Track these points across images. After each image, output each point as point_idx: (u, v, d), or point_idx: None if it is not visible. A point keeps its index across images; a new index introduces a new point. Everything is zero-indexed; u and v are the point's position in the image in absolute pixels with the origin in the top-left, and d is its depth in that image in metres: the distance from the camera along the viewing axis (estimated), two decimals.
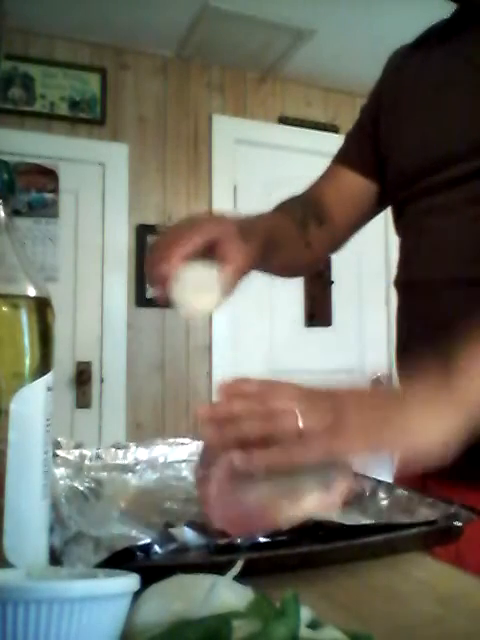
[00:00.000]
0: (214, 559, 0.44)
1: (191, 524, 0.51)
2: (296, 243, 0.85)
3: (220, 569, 0.34)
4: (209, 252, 0.65)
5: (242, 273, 0.68)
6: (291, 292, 2.74)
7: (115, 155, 2.57)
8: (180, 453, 0.80)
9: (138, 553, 0.43)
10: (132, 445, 0.79)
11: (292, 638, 0.28)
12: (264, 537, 0.46)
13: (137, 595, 0.32)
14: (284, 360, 2.67)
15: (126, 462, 0.77)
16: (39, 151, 2.44)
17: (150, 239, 2.54)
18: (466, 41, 0.77)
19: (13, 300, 0.40)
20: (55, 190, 2.46)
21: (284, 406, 0.50)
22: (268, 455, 0.49)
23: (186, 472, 0.74)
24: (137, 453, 0.78)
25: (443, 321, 0.72)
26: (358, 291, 2.89)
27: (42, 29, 2.45)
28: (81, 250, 2.52)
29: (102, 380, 2.48)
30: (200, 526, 0.51)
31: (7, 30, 2.27)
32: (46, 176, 2.45)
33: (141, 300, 2.53)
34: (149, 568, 0.40)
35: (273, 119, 2.85)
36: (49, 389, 0.41)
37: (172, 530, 0.49)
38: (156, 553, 0.44)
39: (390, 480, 0.81)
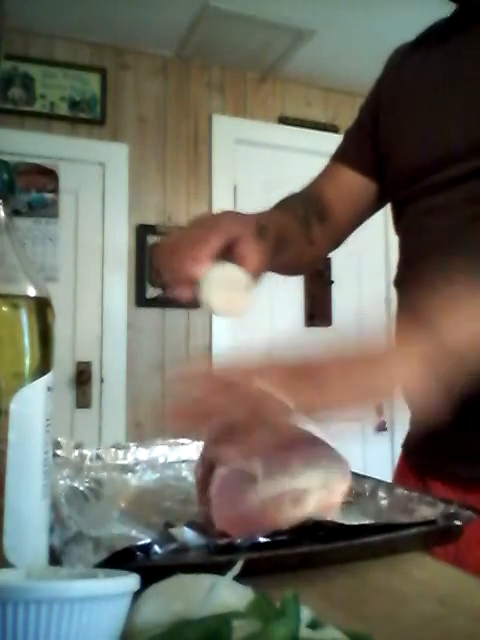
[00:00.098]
0: (214, 559, 0.44)
1: (191, 524, 0.51)
2: (300, 241, 0.85)
3: (220, 569, 0.34)
4: (225, 251, 0.65)
5: (260, 273, 0.68)
6: (291, 292, 2.74)
7: (115, 155, 2.57)
8: (180, 453, 0.80)
9: (138, 553, 0.43)
10: (132, 445, 0.79)
11: (292, 638, 0.28)
12: (264, 537, 0.46)
13: (137, 595, 0.32)
14: None
15: (126, 462, 0.77)
16: (39, 151, 2.44)
17: (150, 239, 2.55)
18: (466, 41, 0.77)
19: (13, 300, 0.40)
20: (55, 190, 2.46)
21: (268, 394, 0.49)
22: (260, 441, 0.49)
23: (186, 472, 0.74)
24: (137, 453, 0.78)
25: None
26: (358, 291, 2.89)
27: (42, 29, 2.45)
28: (81, 250, 2.52)
29: (102, 380, 2.48)
30: (200, 526, 0.51)
31: (7, 30, 2.27)
32: (46, 176, 2.45)
33: (141, 300, 2.53)
34: (149, 568, 0.40)
35: (273, 119, 2.85)
36: (49, 389, 0.41)
37: (172, 530, 0.49)
38: (156, 553, 0.44)
39: (390, 480, 0.81)
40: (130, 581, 0.31)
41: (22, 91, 2.46)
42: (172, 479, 0.73)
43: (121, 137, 2.59)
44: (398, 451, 0.88)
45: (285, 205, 0.88)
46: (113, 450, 0.78)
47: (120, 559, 0.41)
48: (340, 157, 0.94)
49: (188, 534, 0.48)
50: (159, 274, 0.68)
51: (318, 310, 2.81)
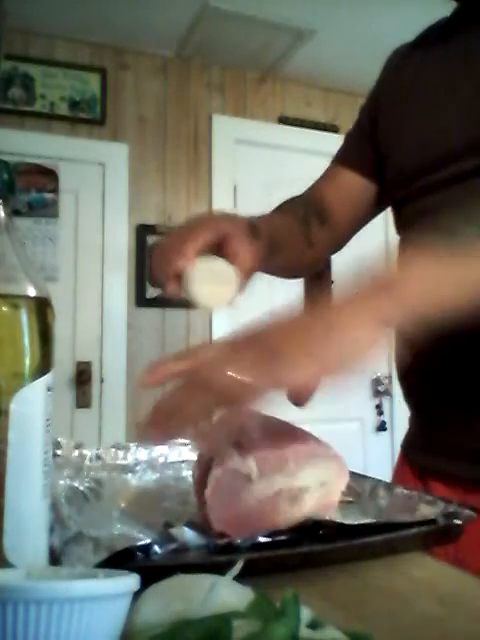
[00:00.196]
0: (214, 559, 0.44)
1: (191, 524, 0.51)
2: (299, 243, 0.85)
3: (220, 569, 0.34)
4: (217, 249, 0.65)
5: (251, 271, 0.68)
6: (291, 292, 2.73)
7: (115, 155, 2.57)
8: (180, 453, 0.80)
9: (138, 553, 0.43)
10: (132, 445, 0.79)
11: (292, 638, 0.28)
12: (264, 537, 0.46)
13: (137, 595, 0.32)
14: None
15: (126, 462, 0.77)
16: (39, 151, 2.44)
17: (150, 239, 2.55)
18: (466, 40, 0.77)
19: (13, 300, 0.40)
20: (55, 190, 2.46)
21: (216, 372, 0.46)
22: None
23: (186, 472, 0.74)
24: (137, 453, 0.78)
25: None
26: None
27: (42, 29, 2.45)
28: (81, 250, 2.52)
29: (102, 380, 2.48)
30: (200, 526, 0.51)
31: (7, 30, 2.27)
32: (46, 176, 2.45)
33: (141, 300, 2.53)
34: (149, 568, 0.40)
35: (273, 119, 2.85)
36: (49, 389, 0.41)
37: (172, 530, 0.49)
38: (156, 553, 0.44)
39: (390, 480, 0.81)
40: (130, 581, 0.31)
41: (22, 91, 2.46)
42: (172, 479, 0.73)
43: (121, 137, 2.59)
44: (398, 451, 0.88)
45: (285, 208, 0.88)
46: (113, 450, 0.78)
47: (120, 559, 0.41)
48: (340, 159, 0.94)
49: (188, 534, 0.48)
50: (152, 273, 0.68)
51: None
